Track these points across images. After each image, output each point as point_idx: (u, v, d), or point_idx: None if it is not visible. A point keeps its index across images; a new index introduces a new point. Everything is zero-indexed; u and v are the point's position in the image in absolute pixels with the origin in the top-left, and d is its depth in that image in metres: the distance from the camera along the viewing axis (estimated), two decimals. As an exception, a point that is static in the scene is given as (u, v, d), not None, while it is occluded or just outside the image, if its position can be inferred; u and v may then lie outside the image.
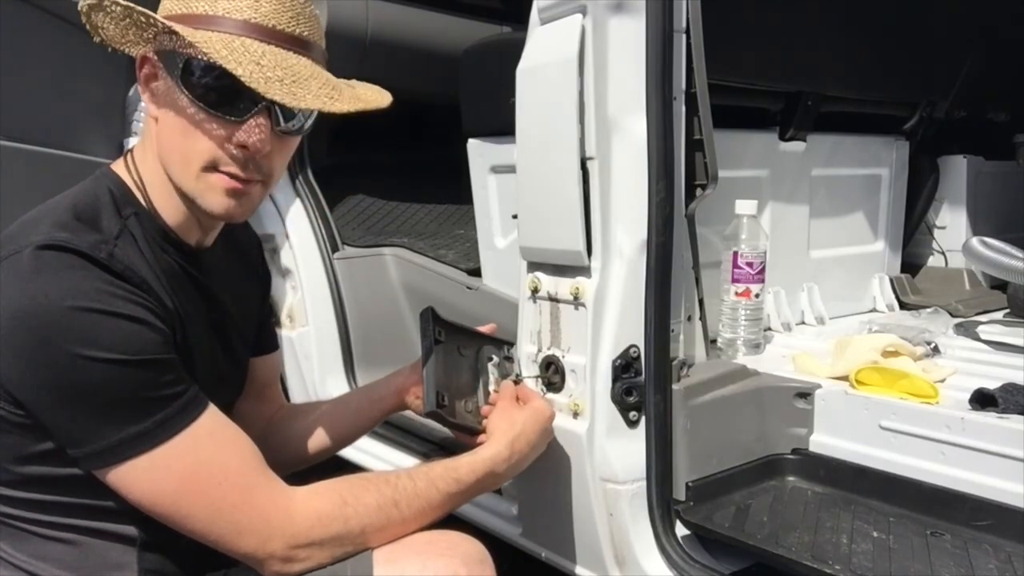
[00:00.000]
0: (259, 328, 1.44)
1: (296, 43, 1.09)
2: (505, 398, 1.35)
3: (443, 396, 1.30)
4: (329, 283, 2.27)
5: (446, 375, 1.33)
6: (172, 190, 1.15)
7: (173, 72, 1.08)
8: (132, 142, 2.07)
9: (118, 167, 1.18)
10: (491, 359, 1.42)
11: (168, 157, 1.13)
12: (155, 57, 1.11)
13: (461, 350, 1.40)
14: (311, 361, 2.24)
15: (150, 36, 1.10)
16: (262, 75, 1.03)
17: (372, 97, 1.17)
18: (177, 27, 1.04)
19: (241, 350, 1.36)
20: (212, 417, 1.07)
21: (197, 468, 1.04)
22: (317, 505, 1.09)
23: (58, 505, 1.09)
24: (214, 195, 1.11)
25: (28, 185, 1.72)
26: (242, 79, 1.02)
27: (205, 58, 1.04)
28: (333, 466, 1.39)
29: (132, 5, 1.05)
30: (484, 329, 1.50)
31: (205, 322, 1.21)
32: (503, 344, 1.50)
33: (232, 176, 1.11)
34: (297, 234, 2.30)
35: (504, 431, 1.27)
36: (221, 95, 1.07)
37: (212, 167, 1.10)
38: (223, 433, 1.09)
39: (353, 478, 1.15)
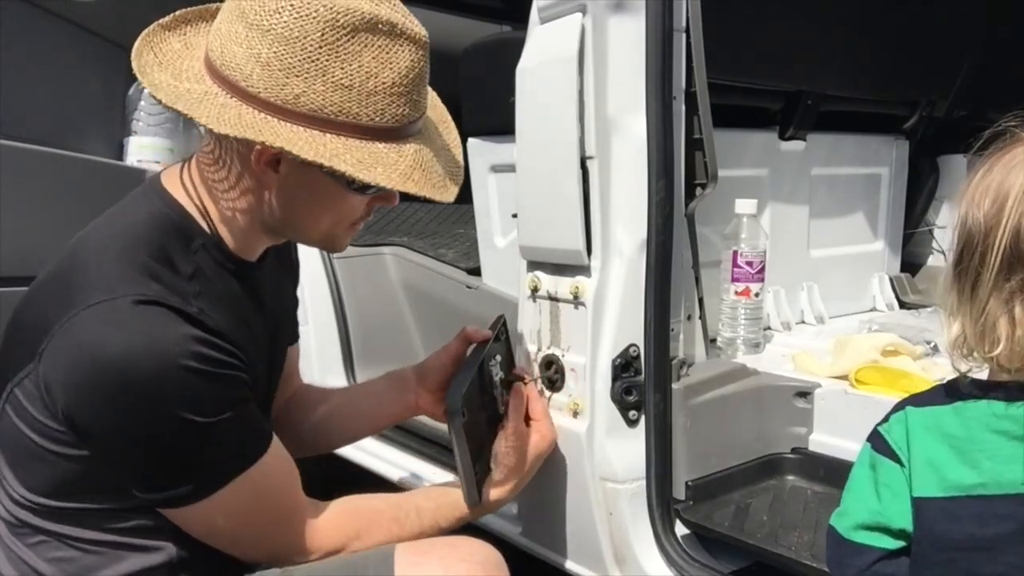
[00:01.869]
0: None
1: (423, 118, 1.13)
2: (517, 421, 1.32)
3: (479, 466, 1.28)
4: (329, 282, 2.26)
5: (474, 439, 1.27)
6: (254, 228, 1.14)
7: (332, 174, 1.04)
8: (132, 141, 2.07)
9: (173, 188, 1.13)
10: (495, 359, 1.40)
11: (301, 221, 1.14)
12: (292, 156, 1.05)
13: (481, 386, 1.34)
14: (311, 360, 2.24)
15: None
16: (429, 181, 1.08)
17: (455, 156, 1.22)
18: (354, 169, 1.01)
19: (284, 355, 1.36)
20: (272, 451, 1.11)
21: (254, 504, 1.10)
22: (334, 540, 1.17)
23: (99, 521, 1.09)
24: (345, 241, 1.19)
25: (28, 185, 1.72)
26: (420, 195, 1.06)
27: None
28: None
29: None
30: (477, 338, 1.43)
31: (266, 342, 1.22)
32: (497, 333, 1.43)
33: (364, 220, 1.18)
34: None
35: (512, 476, 1.30)
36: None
37: (355, 223, 1.17)
38: (277, 464, 1.12)
39: (369, 512, 1.22)
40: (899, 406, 0.95)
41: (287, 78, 1.00)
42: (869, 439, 0.96)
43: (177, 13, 1.13)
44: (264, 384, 1.23)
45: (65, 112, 1.92)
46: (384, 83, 1.03)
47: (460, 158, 1.22)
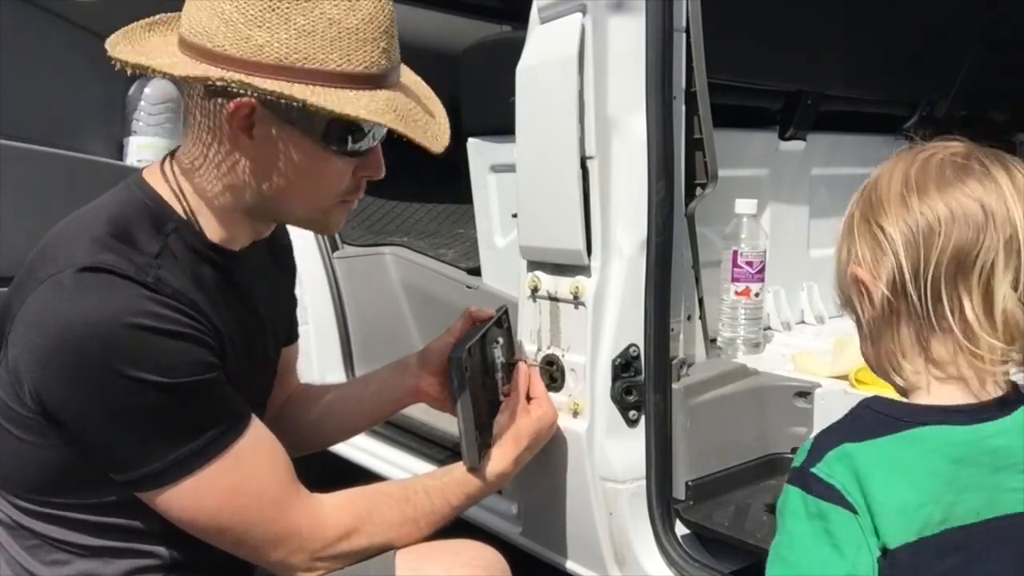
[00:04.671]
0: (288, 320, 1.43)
1: (396, 74, 1.11)
2: (518, 398, 1.32)
3: (481, 436, 1.26)
4: (329, 282, 2.26)
5: (475, 406, 1.26)
6: (234, 211, 1.12)
7: (307, 129, 1.05)
8: (132, 141, 2.07)
9: (152, 177, 1.13)
10: (497, 342, 1.40)
11: (282, 195, 1.10)
12: (263, 109, 1.04)
13: (483, 365, 1.34)
14: (310, 360, 2.24)
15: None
16: (406, 120, 1.05)
17: (439, 121, 1.18)
18: (324, 102, 1.00)
19: (273, 353, 1.34)
20: (253, 432, 1.08)
21: (238, 487, 1.06)
22: (344, 521, 1.13)
23: (88, 524, 1.08)
24: (338, 219, 1.17)
25: (28, 185, 1.72)
26: (414, 140, 1.05)
27: (362, 122, 1.05)
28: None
29: (244, 81, 0.99)
30: (481, 316, 1.44)
31: (243, 333, 1.19)
32: (499, 318, 1.43)
33: (354, 198, 1.16)
34: (296, 233, 2.30)
35: (512, 447, 1.27)
36: (355, 139, 1.08)
37: (343, 200, 1.14)
38: (262, 448, 1.10)
39: (377, 494, 1.19)
40: (827, 442, 0.85)
41: (250, 30, 1.00)
42: (797, 483, 0.84)
43: (156, 16, 1.13)
44: (247, 375, 1.19)
45: (65, 112, 1.92)
46: (348, 28, 1.02)
47: (445, 123, 1.17)
